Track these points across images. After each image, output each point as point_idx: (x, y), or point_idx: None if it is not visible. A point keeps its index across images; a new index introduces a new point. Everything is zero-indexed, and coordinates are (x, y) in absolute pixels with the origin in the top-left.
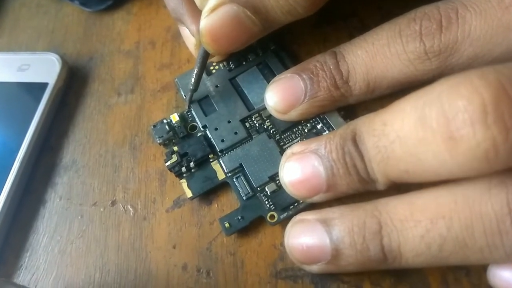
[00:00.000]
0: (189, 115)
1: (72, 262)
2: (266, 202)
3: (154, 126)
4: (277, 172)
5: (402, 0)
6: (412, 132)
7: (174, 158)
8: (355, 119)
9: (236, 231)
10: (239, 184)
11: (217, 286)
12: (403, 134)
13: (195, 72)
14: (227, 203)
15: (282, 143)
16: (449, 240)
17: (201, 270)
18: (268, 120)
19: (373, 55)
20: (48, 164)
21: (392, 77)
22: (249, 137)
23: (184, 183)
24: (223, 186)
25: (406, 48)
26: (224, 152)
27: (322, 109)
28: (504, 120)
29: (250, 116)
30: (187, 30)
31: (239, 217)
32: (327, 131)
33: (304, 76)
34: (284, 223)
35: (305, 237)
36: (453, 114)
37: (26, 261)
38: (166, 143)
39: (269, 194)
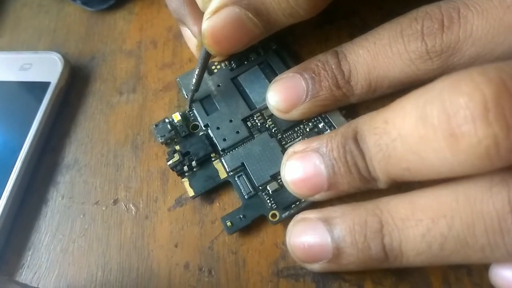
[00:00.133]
0: (191, 114)
1: (74, 261)
2: (268, 201)
3: (156, 125)
4: (279, 171)
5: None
6: (414, 130)
7: (176, 157)
8: (356, 118)
9: (238, 230)
10: (241, 183)
11: (219, 285)
12: (404, 132)
13: (197, 72)
14: (229, 202)
15: (284, 142)
16: (450, 239)
17: (203, 269)
18: (269, 119)
19: (374, 54)
20: (50, 163)
21: (393, 77)
22: (250, 136)
23: (186, 182)
24: (225, 185)
25: (408, 48)
26: (226, 151)
27: (324, 109)
28: (505, 117)
29: (252, 115)
30: (188, 31)
31: (241, 216)
32: (328, 130)
33: (306, 76)
34: (285, 222)
35: (306, 235)
36: (454, 111)
37: (28, 259)
38: (168, 142)
39: (270, 193)
